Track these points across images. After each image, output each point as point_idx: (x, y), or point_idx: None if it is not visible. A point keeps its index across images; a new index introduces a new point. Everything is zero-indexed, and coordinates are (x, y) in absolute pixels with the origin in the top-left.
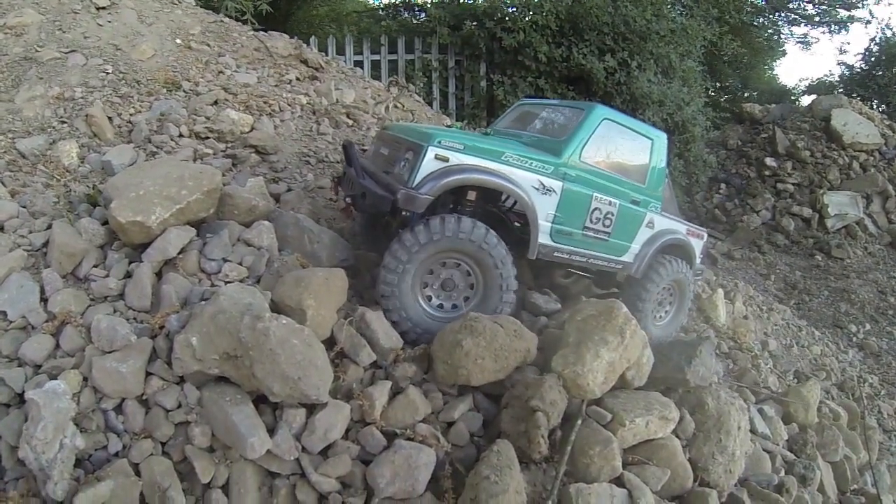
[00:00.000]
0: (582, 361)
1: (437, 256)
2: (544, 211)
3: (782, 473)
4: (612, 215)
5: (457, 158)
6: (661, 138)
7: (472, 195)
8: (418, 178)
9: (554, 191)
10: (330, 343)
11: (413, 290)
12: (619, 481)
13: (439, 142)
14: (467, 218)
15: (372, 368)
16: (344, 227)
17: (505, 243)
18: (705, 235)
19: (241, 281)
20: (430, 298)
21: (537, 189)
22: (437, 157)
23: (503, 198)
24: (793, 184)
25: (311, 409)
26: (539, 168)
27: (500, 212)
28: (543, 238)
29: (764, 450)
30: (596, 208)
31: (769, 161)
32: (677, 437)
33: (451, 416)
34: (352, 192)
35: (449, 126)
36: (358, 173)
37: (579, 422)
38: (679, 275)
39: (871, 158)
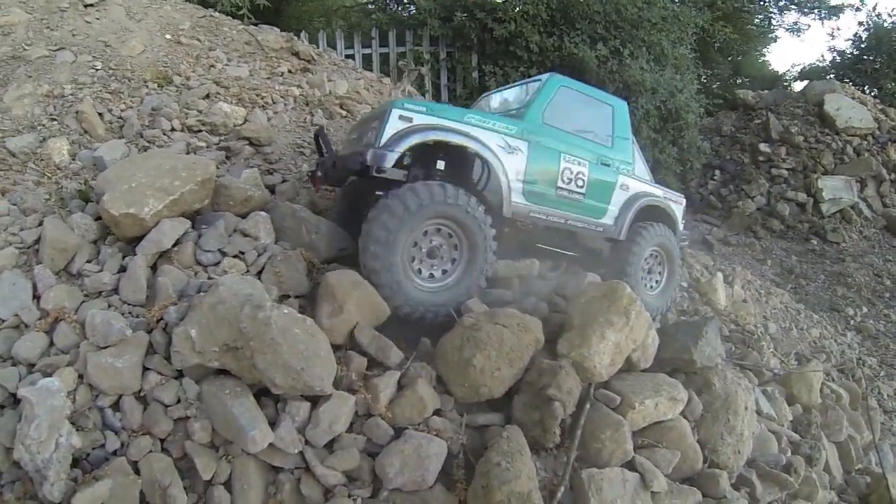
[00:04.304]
0: (588, 344)
1: (425, 224)
2: (513, 169)
3: (789, 454)
4: (584, 175)
5: (421, 119)
6: (622, 106)
7: (440, 164)
8: (384, 138)
9: (520, 150)
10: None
11: (404, 263)
12: (630, 465)
13: (403, 104)
14: (450, 184)
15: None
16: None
17: None
18: (684, 201)
19: (242, 275)
20: (419, 271)
21: (503, 147)
22: (401, 118)
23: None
24: (787, 169)
25: (315, 401)
26: (503, 129)
27: (472, 183)
28: (516, 197)
29: (770, 430)
30: (566, 168)
31: (763, 147)
32: (686, 418)
33: (476, 422)
34: (323, 166)
35: None
36: (328, 148)
37: (588, 406)
38: (663, 238)
39: (865, 143)
